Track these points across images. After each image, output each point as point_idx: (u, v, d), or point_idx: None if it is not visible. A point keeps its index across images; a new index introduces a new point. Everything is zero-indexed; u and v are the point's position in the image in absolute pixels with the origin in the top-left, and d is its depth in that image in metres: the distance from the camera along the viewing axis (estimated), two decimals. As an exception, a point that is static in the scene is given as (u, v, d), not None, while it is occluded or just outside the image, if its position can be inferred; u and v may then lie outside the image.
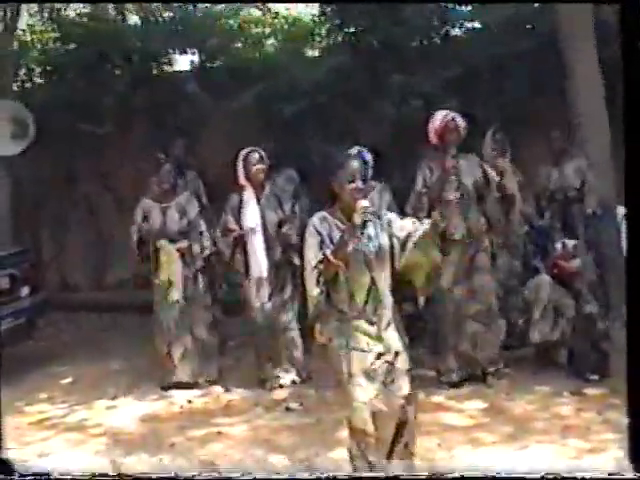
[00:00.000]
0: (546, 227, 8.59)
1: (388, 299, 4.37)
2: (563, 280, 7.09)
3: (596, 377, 6.65)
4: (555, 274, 7.13)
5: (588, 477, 4.20)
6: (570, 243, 7.17)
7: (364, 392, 4.25)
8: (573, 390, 6.40)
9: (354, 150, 7.57)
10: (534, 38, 9.47)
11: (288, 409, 6.52)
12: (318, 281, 4.26)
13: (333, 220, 4.37)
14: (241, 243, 7.17)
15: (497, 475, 4.18)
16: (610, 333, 7.39)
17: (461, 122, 6.73)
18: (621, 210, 9.27)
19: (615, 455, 5.02)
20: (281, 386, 7.05)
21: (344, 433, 5.36)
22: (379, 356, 4.29)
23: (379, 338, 4.30)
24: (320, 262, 4.23)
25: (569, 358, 6.93)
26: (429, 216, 6.63)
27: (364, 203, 4.23)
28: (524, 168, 8.32)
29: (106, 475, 4.52)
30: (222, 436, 5.99)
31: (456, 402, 6.40)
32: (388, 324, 4.34)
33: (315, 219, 4.40)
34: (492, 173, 6.78)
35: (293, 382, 7.12)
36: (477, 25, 10.57)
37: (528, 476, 4.22)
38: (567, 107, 8.75)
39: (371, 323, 4.30)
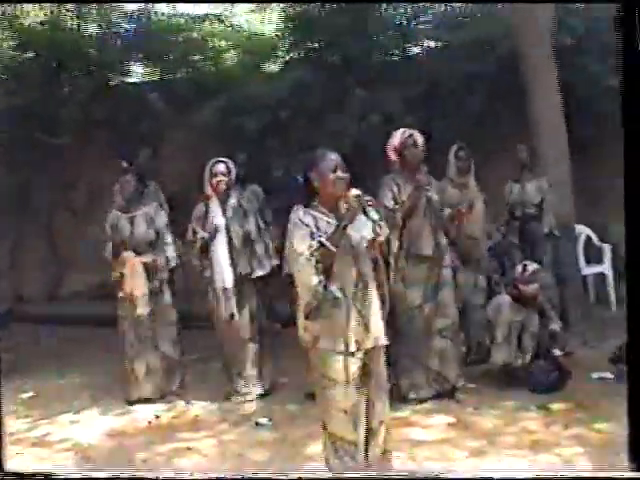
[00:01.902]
0: (504, 244, 8.73)
1: (374, 289, 4.41)
2: (523, 301, 7.16)
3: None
4: (515, 295, 7.20)
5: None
6: (531, 267, 7.22)
7: (345, 400, 4.29)
8: (539, 405, 6.46)
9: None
10: (495, 59, 9.61)
11: (257, 424, 6.48)
12: (316, 269, 4.20)
13: (315, 214, 4.35)
14: (205, 253, 7.17)
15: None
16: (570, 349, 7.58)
17: (420, 139, 6.71)
18: (580, 229, 9.48)
19: (584, 469, 5.11)
20: (250, 400, 7.04)
21: (313, 448, 5.43)
22: (364, 359, 4.35)
23: (366, 329, 4.33)
24: (316, 250, 4.19)
25: (528, 369, 7.00)
26: (401, 234, 6.74)
27: (356, 191, 4.21)
28: (484, 185, 8.44)
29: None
30: (190, 451, 5.92)
31: (422, 417, 6.40)
32: (375, 314, 4.39)
33: (299, 212, 4.36)
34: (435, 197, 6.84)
35: (258, 395, 7.10)
36: (436, 44, 10.70)
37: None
38: (527, 127, 8.92)
39: (360, 313, 4.32)
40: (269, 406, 6.94)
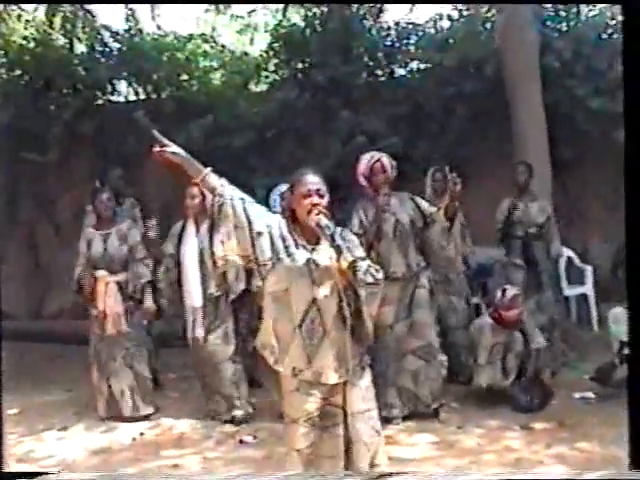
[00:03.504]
0: (487, 264, 8.79)
1: (330, 321, 4.10)
2: (504, 325, 7.22)
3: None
4: (496, 319, 7.25)
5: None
6: (510, 292, 7.27)
7: (301, 440, 4.13)
8: (522, 424, 6.52)
9: (283, 187, 7.70)
10: (480, 79, 9.74)
11: (242, 442, 6.51)
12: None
13: (292, 232, 4.16)
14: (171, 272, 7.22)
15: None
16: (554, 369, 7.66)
17: (387, 162, 6.76)
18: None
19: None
20: (230, 421, 7.05)
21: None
22: (323, 400, 4.12)
23: (308, 359, 4.08)
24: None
25: (514, 391, 7.05)
26: (369, 256, 6.76)
27: (315, 219, 4.04)
28: (467, 206, 8.50)
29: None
30: (176, 470, 5.94)
31: (406, 436, 6.45)
32: (326, 347, 4.09)
33: (284, 229, 4.16)
34: (424, 204, 6.88)
35: (241, 418, 7.08)
36: (422, 66, 10.81)
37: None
38: (512, 148, 9.03)
39: (304, 341, 4.07)
40: (254, 424, 6.96)
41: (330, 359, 4.11)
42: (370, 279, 4.04)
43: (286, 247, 4.09)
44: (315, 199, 4.10)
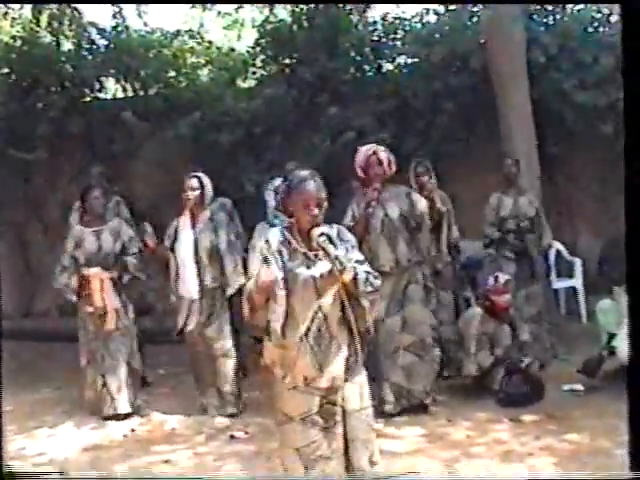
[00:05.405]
0: (477, 257, 8.81)
1: (335, 325, 4.05)
2: (495, 313, 7.27)
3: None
4: (487, 307, 7.30)
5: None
6: (502, 278, 7.33)
7: (300, 439, 4.05)
8: (511, 417, 6.54)
9: (277, 181, 7.70)
10: (467, 75, 9.76)
11: (232, 437, 6.52)
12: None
13: (292, 239, 4.09)
14: (172, 265, 7.19)
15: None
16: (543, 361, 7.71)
17: (384, 156, 6.72)
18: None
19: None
20: (224, 415, 7.04)
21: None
22: (322, 398, 4.05)
23: (319, 368, 4.01)
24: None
25: (501, 384, 7.05)
26: (360, 249, 6.76)
27: (318, 230, 3.96)
28: (455, 199, 8.51)
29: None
30: (168, 465, 5.95)
31: (396, 429, 6.45)
32: (334, 353, 4.03)
33: (275, 240, 4.10)
34: (421, 203, 6.89)
35: (230, 415, 7.08)
36: (409, 60, 10.83)
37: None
38: (500, 142, 9.05)
39: (313, 350, 4.01)
40: (244, 419, 6.98)
41: (341, 362, 4.07)
42: (370, 288, 4.02)
43: (286, 260, 4.05)
44: (315, 211, 4.01)
